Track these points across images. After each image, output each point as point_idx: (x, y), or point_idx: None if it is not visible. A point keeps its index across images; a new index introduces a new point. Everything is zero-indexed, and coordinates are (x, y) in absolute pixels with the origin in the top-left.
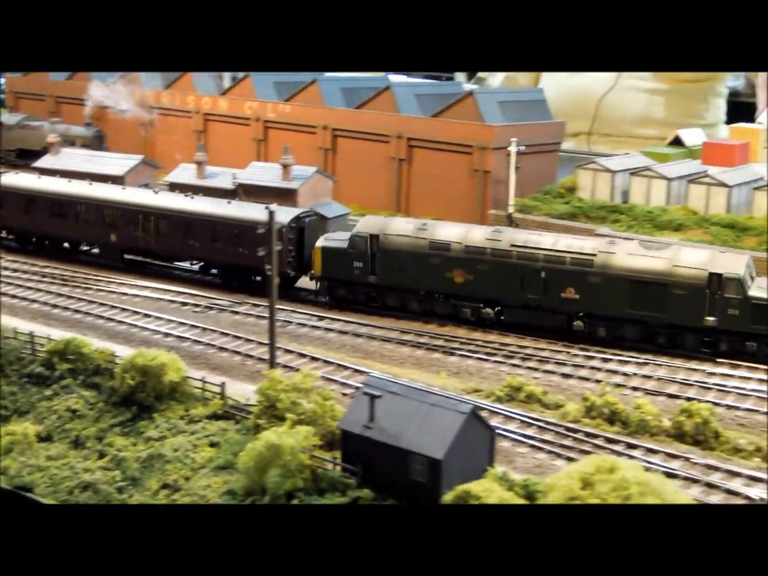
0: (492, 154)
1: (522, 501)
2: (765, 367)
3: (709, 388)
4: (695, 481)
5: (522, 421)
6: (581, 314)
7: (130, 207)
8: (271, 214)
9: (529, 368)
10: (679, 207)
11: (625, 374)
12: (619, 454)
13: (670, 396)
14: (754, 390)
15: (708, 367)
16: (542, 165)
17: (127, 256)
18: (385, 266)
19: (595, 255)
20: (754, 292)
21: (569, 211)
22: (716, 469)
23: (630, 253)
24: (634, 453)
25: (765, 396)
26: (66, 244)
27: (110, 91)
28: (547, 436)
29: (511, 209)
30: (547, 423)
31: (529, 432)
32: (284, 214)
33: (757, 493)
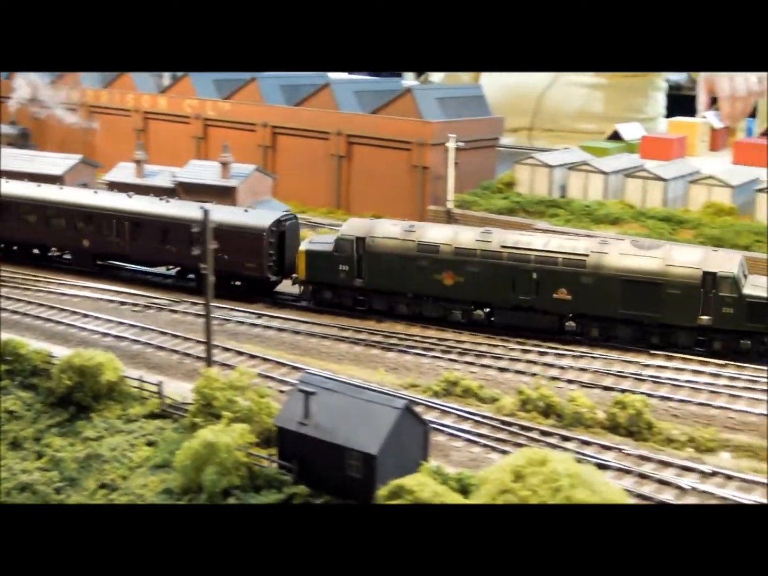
0: (431, 150)
1: (456, 495)
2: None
3: (644, 380)
4: (628, 471)
5: (458, 416)
6: (573, 315)
7: (102, 211)
8: (206, 213)
9: (467, 363)
10: (616, 201)
11: (561, 367)
12: (554, 446)
13: (605, 388)
14: (687, 381)
15: (643, 359)
16: (481, 160)
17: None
18: (371, 269)
19: (587, 255)
20: (748, 290)
21: (508, 206)
22: (649, 459)
23: (622, 253)
24: (568, 445)
25: (697, 387)
26: (36, 250)
27: (41, 89)
28: (483, 430)
29: (450, 205)
30: (483, 417)
31: (465, 426)
32: (265, 218)
33: (688, 482)
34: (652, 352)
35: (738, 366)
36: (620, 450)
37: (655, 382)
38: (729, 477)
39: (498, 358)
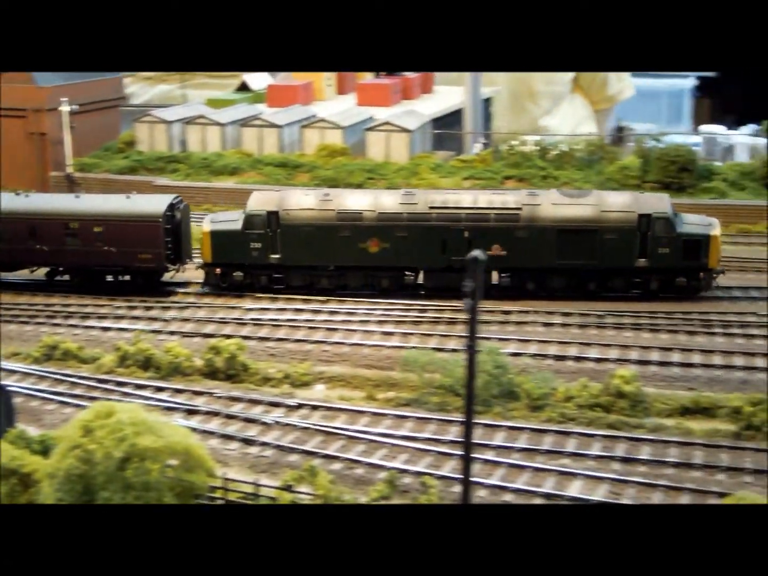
0: (46, 116)
1: (36, 457)
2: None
3: (245, 324)
4: (216, 413)
5: (54, 379)
6: (509, 270)
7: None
8: None
9: (71, 326)
10: (234, 151)
11: (164, 320)
12: (147, 398)
13: (206, 335)
14: (288, 320)
15: (247, 303)
16: (104, 122)
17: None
18: (288, 244)
19: (520, 209)
20: (682, 228)
21: (128, 165)
22: (239, 399)
23: (554, 203)
24: (162, 395)
25: (297, 325)
26: None
27: None
28: (78, 390)
29: (69, 169)
30: (80, 377)
31: (60, 389)
32: (157, 204)
33: (272, 418)
34: (257, 295)
35: (340, 300)
36: (211, 394)
37: (255, 324)
38: (314, 407)
39: (103, 317)
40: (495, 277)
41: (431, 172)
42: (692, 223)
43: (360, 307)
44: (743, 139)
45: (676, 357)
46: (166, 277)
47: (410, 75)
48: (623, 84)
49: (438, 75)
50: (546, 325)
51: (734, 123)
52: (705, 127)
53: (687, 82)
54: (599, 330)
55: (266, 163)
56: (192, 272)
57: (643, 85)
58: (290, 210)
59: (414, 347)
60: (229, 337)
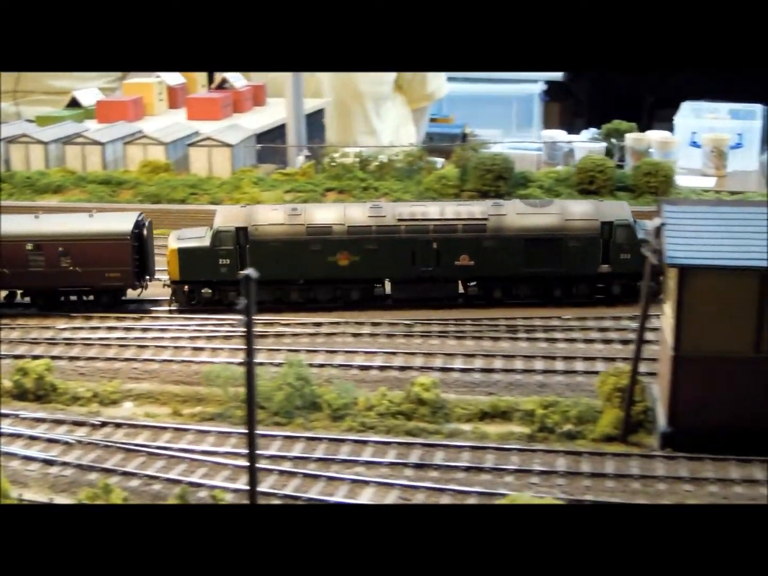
0: None
1: None
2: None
3: (57, 343)
4: (19, 435)
5: None
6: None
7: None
8: None
9: None
10: (58, 169)
11: None
12: None
13: (17, 357)
14: (99, 339)
15: (60, 323)
16: None
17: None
18: (257, 260)
19: (486, 219)
20: (642, 235)
21: None
22: (44, 420)
23: (519, 213)
24: None
25: (107, 343)
26: None
27: None
28: None
29: None
30: None
31: None
32: (123, 221)
33: (75, 437)
34: (71, 315)
35: (153, 317)
36: (17, 416)
37: (67, 344)
38: (118, 425)
39: None
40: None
41: (253, 186)
42: (646, 228)
43: (173, 323)
44: (582, 144)
45: (478, 363)
46: (132, 294)
47: (241, 88)
48: (440, 81)
49: (270, 87)
50: (355, 335)
51: (582, 127)
52: (547, 132)
53: (536, 86)
54: (406, 339)
55: (89, 181)
56: None
57: (492, 90)
58: (259, 225)
59: (229, 362)
60: (38, 357)
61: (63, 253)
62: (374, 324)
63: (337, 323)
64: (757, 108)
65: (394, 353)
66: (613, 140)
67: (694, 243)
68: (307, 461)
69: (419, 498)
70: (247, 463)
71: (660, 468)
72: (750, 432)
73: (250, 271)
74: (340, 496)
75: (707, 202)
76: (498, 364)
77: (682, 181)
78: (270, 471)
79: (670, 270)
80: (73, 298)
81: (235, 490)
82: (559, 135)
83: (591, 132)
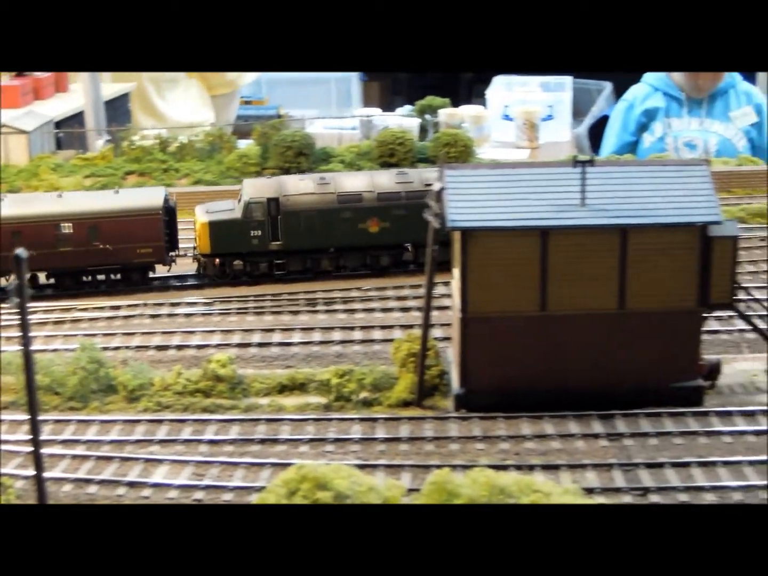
0: None
1: None
2: None
3: None
4: None
5: None
6: None
7: None
8: None
9: None
10: None
11: None
12: None
13: None
14: None
15: None
16: None
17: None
18: (289, 230)
19: None
20: None
21: None
22: None
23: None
24: None
25: None
26: None
27: None
28: None
29: None
30: None
31: None
32: (153, 196)
33: None
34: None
35: None
36: None
37: None
38: None
39: None
40: None
41: (51, 172)
42: None
43: None
44: (397, 120)
45: (276, 337)
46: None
47: (41, 75)
48: None
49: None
50: (153, 316)
51: (402, 105)
52: (362, 111)
53: None
54: (205, 317)
55: None
56: None
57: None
58: (290, 195)
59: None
60: None
61: (93, 231)
62: (173, 304)
63: (136, 305)
64: (567, 80)
65: (192, 332)
66: (427, 116)
67: (475, 206)
68: (101, 444)
69: (212, 473)
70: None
71: (453, 429)
72: (540, 389)
73: (20, 251)
74: (133, 476)
75: (487, 165)
76: (296, 337)
77: (495, 154)
78: (63, 456)
79: (454, 233)
80: (101, 277)
81: (26, 477)
82: (375, 113)
83: (406, 109)
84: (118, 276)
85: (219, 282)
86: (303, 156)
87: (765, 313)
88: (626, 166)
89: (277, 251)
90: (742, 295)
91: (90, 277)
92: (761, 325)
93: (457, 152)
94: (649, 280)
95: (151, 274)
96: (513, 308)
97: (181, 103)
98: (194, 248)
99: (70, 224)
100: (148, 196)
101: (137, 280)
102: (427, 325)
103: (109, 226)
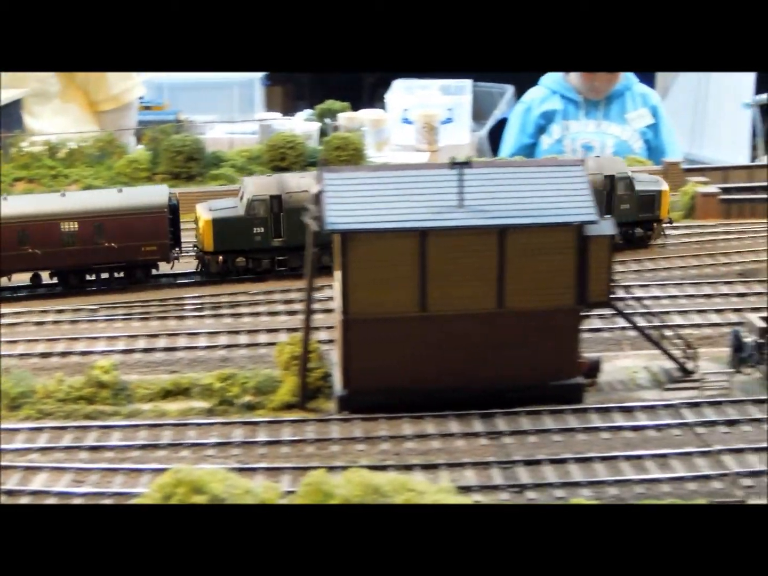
0: None
1: None
2: None
3: None
4: None
5: None
6: None
7: None
8: None
9: None
10: None
11: None
12: None
13: None
14: None
15: None
16: None
17: None
18: (291, 226)
19: None
20: (638, 186)
21: None
22: None
23: None
24: None
25: None
26: None
27: None
28: None
29: None
30: None
31: None
32: (157, 194)
33: None
34: None
35: None
36: None
37: None
38: None
39: None
40: None
41: None
42: (643, 180)
43: None
44: (298, 125)
45: (161, 342)
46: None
47: None
48: (132, 82)
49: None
50: (38, 324)
51: (305, 109)
52: (262, 115)
53: (257, 73)
54: (90, 324)
55: None
56: None
57: (212, 76)
58: (293, 192)
59: None
60: None
61: (98, 229)
62: (59, 311)
63: (20, 313)
64: (467, 83)
65: (76, 339)
66: (327, 120)
67: (354, 208)
68: None
69: (93, 479)
70: None
71: (335, 431)
72: (422, 389)
73: None
74: (11, 484)
75: (366, 167)
76: (182, 342)
77: (395, 157)
78: None
79: (334, 236)
80: (105, 275)
81: None
82: (275, 117)
83: (306, 113)
84: (122, 274)
85: (220, 279)
86: (193, 161)
87: (645, 310)
88: (504, 167)
89: (280, 248)
90: (622, 293)
91: (94, 275)
92: (641, 322)
93: (348, 155)
94: (528, 279)
95: (153, 272)
96: (394, 309)
97: (48, 120)
98: (195, 246)
99: (76, 223)
100: (153, 195)
101: (141, 278)
102: (308, 328)
103: (115, 224)
